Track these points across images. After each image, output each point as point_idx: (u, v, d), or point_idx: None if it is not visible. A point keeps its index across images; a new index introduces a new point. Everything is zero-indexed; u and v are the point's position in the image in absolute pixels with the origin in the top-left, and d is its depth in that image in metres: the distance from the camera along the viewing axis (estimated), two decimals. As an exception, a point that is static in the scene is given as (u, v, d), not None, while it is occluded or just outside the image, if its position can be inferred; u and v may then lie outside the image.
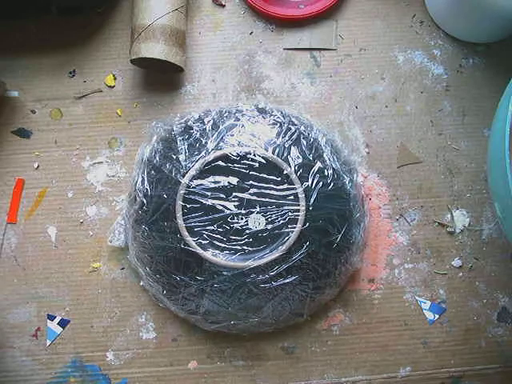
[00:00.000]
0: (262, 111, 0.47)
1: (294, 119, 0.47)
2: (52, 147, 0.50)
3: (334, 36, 0.51)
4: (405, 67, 0.51)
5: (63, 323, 0.49)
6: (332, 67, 0.51)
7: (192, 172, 0.43)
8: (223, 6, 0.52)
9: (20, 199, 0.50)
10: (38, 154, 0.50)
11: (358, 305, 0.49)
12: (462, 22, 0.49)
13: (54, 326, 0.49)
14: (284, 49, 0.51)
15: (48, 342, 0.49)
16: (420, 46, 0.51)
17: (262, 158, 0.43)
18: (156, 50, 0.46)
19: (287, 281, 0.43)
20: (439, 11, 0.50)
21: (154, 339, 0.49)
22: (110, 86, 0.51)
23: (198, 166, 0.43)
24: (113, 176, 0.50)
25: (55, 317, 0.49)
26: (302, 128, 0.46)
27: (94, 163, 0.50)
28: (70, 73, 0.51)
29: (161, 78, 0.51)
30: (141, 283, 0.48)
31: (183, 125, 0.46)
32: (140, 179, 0.45)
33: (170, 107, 0.51)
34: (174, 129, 0.46)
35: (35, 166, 0.50)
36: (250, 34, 0.51)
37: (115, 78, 0.51)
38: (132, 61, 0.48)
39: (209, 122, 0.45)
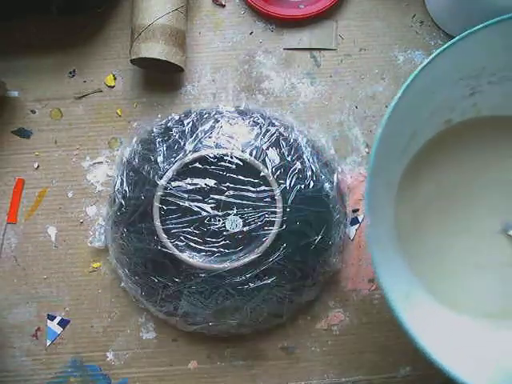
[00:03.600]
0: (242, 113, 0.47)
1: (274, 120, 0.46)
2: (52, 147, 0.51)
3: (334, 36, 0.51)
4: (405, 67, 0.51)
5: (63, 323, 0.49)
6: (332, 67, 0.51)
7: (169, 174, 0.43)
8: (223, 5, 0.52)
9: (20, 199, 0.50)
10: (38, 154, 0.50)
11: (358, 305, 0.49)
12: (462, 22, 0.49)
13: (54, 325, 0.49)
14: (284, 49, 0.51)
15: (48, 342, 0.49)
16: (420, 46, 0.51)
17: (239, 159, 0.43)
18: (156, 50, 0.46)
19: (264, 282, 0.43)
20: (439, 11, 0.50)
21: (154, 339, 0.49)
22: (110, 86, 0.51)
23: (175, 167, 0.43)
24: (113, 176, 0.50)
25: (55, 317, 0.49)
26: (282, 129, 0.46)
27: (94, 163, 0.50)
28: (70, 73, 0.51)
29: (161, 78, 0.51)
30: (121, 284, 0.48)
31: (163, 126, 0.46)
32: (119, 181, 0.45)
33: (169, 107, 0.51)
34: (154, 130, 0.46)
35: (35, 165, 0.50)
36: (250, 34, 0.51)
37: (115, 78, 0.51)
38: (132, 61, 0.48)
39: (188, 123, 0.45)
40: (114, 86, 0.51)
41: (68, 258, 0.49)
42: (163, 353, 0.49)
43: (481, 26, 0.37)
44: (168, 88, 0.51)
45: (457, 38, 0.37)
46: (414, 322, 0.37)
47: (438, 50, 0.36)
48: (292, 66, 0.51)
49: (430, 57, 0.36)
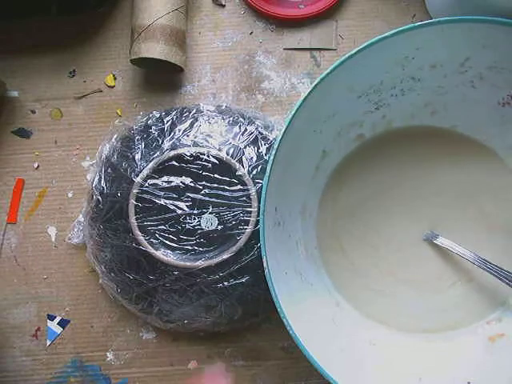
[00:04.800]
0: (223, 112, 0.47)
1: (255, 120, 0.46)
2: (52, 147, 0.51)
3: (334, 36, 0.51)
4: (405, 67, 0.51)
5: (63, 323, 0.49)
6: (332, 67, 0.51)
7: (146, 171, 0.43)
8: (223, 5, 0.52)
9: (20, 199, 0.50)
10: (38, 154, 0.50)
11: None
12: (462, 22, 0.49)
13: (54, 325, 0.49)
14: (284, 49, 0.51)
15: (48, 342, 0.49)
16: (420, 46, 0.51)
17: (216, 158, 0.43)
18: (156, 50, 0.46)
19: (239, 281, 0.43)
20: (439, 11, 0.50)
21: (154, 339, 0.49)
22: (110, 86, 0.51)
23: (151, 165, 0.43)
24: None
25: (55, 317, 0.49)
26: (262, 129, 0.46)
27: (94, 163, 0.50)
28: (70, 73, 0.51)
29: (161, 78, 0.51)
30: (99, 281, 0.48)
31: (143, 124, 0.46)
32: (97, 177, 0.45)
33: (169, 107, 0.51)
34: (134, 127, 0.46)
35: (35, 166, 0.50)
36: (250, 34, 0.51)
37: (115, 78, 0.51)
38: (132, 61, 0.48)
39: (168, 121, 0.45)
40: (114, 86, 0.51)
41: (68, 258, 0.49)
42: (163, 353, 0.49)
43: (365, 44, 0.37)
44: (168, 88, 0.51)
45: (340, 60, 0.37)
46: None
47: (322, 75, 0.37)
48: (292, 66, 0.51)
49: (314, 83, 0.36)
